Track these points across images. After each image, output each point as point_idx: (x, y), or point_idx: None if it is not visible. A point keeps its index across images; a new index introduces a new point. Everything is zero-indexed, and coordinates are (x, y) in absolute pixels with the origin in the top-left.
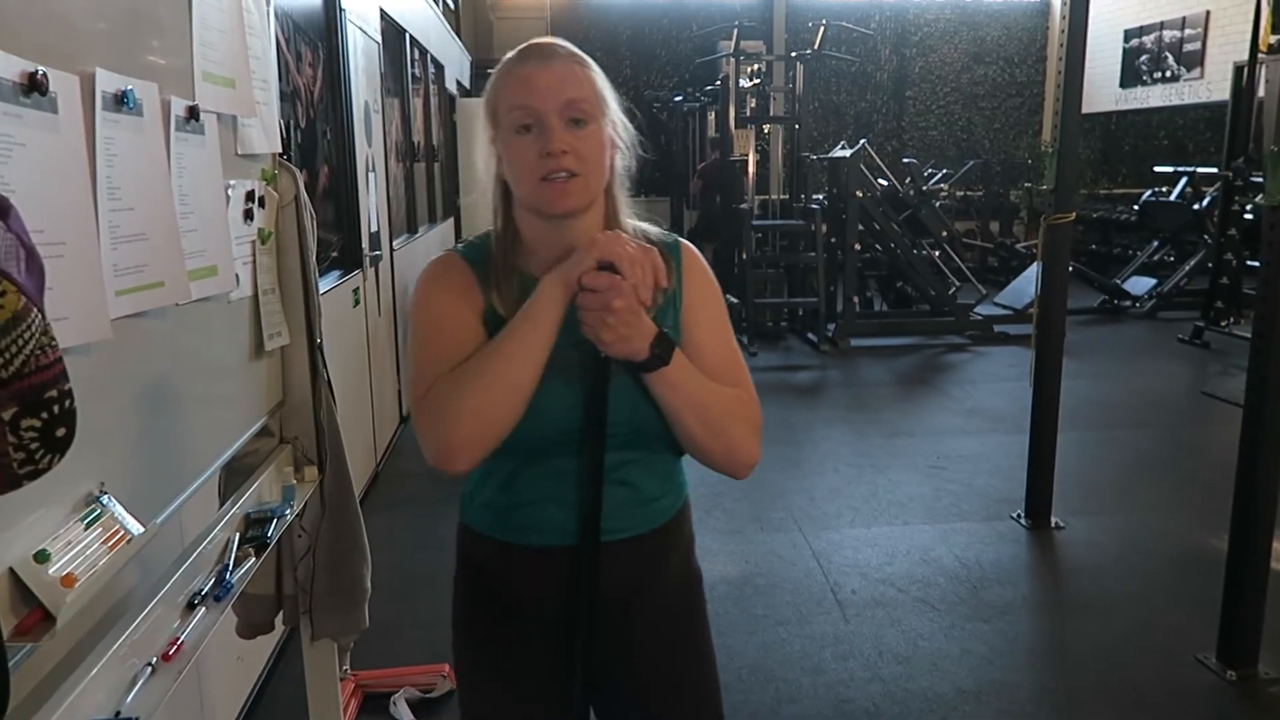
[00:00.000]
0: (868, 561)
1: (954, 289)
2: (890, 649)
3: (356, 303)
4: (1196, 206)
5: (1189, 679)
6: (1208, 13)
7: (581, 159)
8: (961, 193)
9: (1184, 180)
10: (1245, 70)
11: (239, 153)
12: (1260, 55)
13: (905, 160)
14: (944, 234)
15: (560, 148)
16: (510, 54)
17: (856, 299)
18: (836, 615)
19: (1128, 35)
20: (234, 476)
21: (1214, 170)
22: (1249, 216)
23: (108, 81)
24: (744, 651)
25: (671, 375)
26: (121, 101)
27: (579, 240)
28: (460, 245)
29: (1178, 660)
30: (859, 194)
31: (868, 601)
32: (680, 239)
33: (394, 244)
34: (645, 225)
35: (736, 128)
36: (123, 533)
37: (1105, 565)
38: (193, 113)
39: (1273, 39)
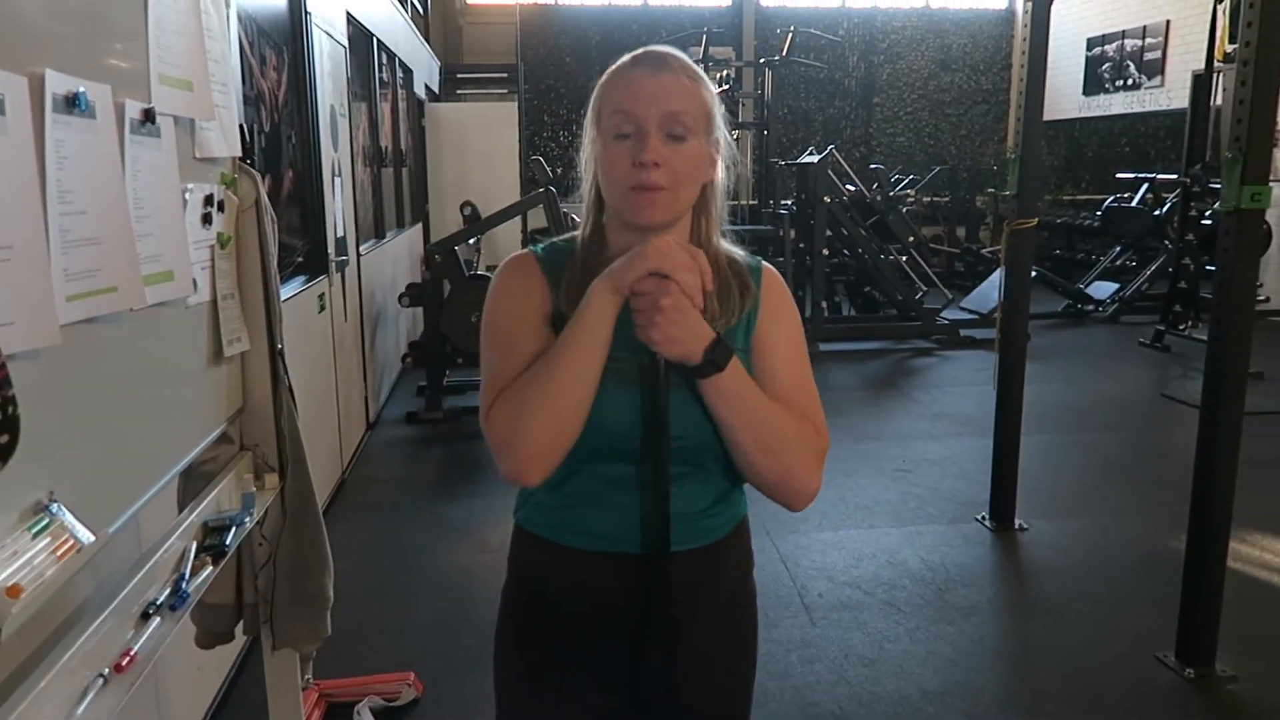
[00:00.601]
0: (834, 565)
1: (921, 294)
2: (856, 652)
3: (322, 308)
4: (1157, 212)
5: (1149, 678)
6: (1168, 22)
7: (674, 174)
8: (928, 198)
9: (1145, 186)
10: (1203, 79)
11: (197, 156)
12: (1217, 64)
13: (873, 166)
14: (911, 239)
15: (653, 159)
16: (625, 57)
17: (825, 304)
18: (803, 619)
19: (1090, 44)
20: (192, 484)
21: (1174, 177)
22: (1207, 222)
23: (58, 83)
24: None
25: (725, 383)
26: (73, 103)
27: None
28: (541, 245)
29: (1138, 660)
30: (827, 200)
31: (834, 605)
32: (764, 262)
33: (361, 249)
34: (732, 248)
35: None
36: (73, 542)
37: (1068, 567)
38: (148, 115)
39: (1229, 48)
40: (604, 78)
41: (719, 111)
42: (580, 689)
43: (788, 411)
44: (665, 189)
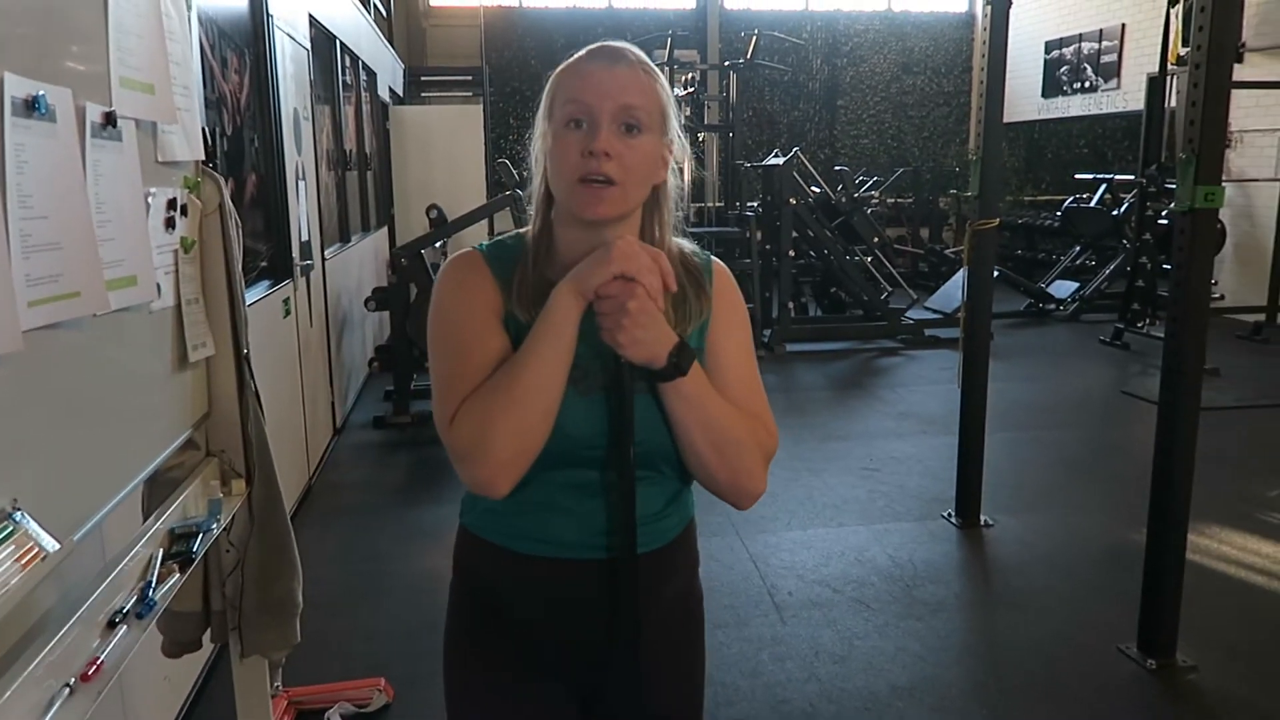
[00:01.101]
0: (804, 563)
1: (886, 294)
2: (826, 649)
3: (287, 313)
4: (1116, 212)
5: (1112, 670)
6: (1123, 25)
7: (624, 167)
8: (892, 200)
9: (1103, 187)
10: (1157, 81)
11: (160, 160)
12: (1170, 67)
13: (837, 168)
14: (875, 240)
15: (603, 148)
16: (581, 51)
17: (791, 305)
18: (774, 617)
19: (1048, 47)
20: (158, 491)
21: (1131, 177)
22: (1163, 222)
23: (17, 86)
24: None
25: (687, 387)
26: (32, 107)
27: None
28: (486, 243)
29: (1102, 652)
30: (792, 201)
31: (804, 603)
32: (714, 258)
33: (326, 253)
34: (684, 243)
35: None
36: (37, 550)
37: (1032, 561)
38: (109, 119)
39: (1182, 51)
40: (558, 70)
41: (675, 112)
42: (538, 696)
43: (740, 413)
44: (615, 183)
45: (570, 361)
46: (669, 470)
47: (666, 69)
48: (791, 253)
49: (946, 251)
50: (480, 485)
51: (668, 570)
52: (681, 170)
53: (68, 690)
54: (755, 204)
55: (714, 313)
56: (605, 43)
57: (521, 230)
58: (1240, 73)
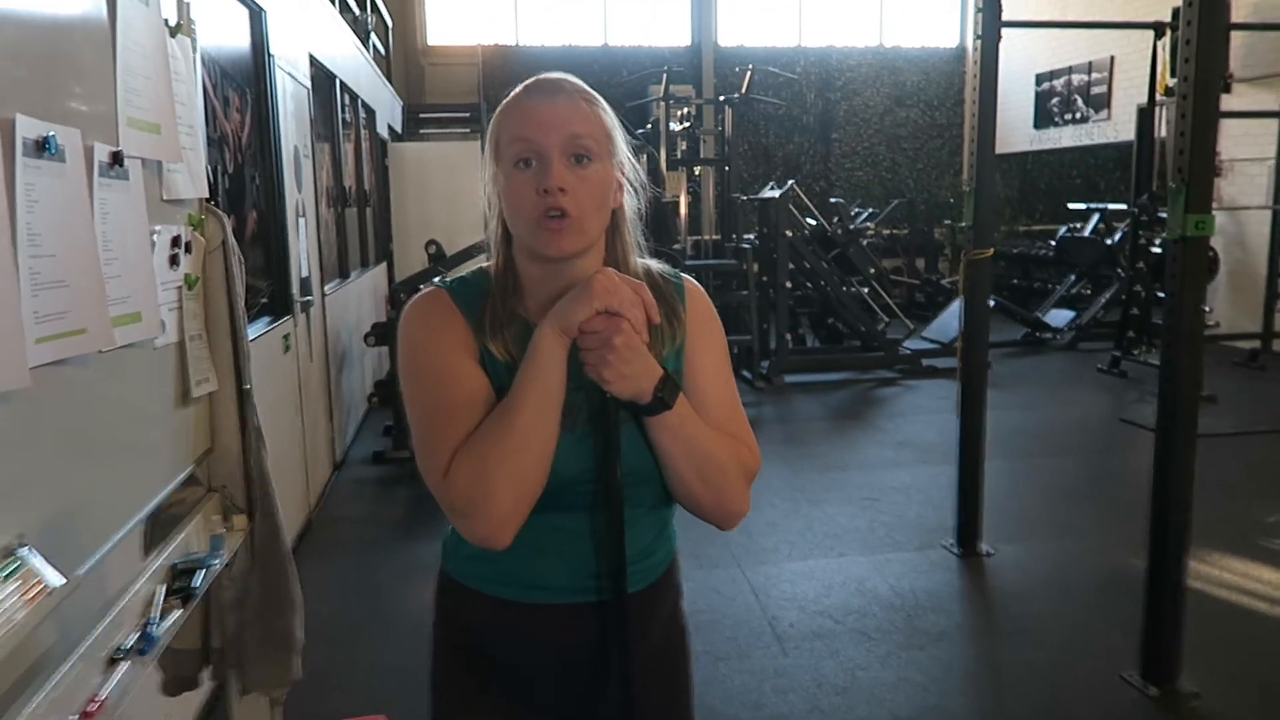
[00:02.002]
0: (805, 594)
1: (883, 325)
2: (829, 680)
3: (288, 348)
4: (1109, 241)
5: (1115, 697)
6: (1112, 57)
7: (578, 199)
8: (888, 231)
9: (1096, 216)
10: (1147, 112)
11: (165, 198)
12: (1159, 98)
13: (833, 200)
14: (872, 271)
15: (557, 184)
16: (518, 88)
17: (789, 336)
18: (775, 649)
19: (1039, 79)
20: (159, 526)
21: (1124, 206)
22: (1156, 250)
23: (29, 128)
24: None
25: (673, 419)
26: (43, 148)
27: (578, 283)
28: (449, 280)
29: (1104, 679)
30: (788, 233)
31: (805, 634)
32: (686, 277)
33: (325, 289)
34: (652, 263)
35: (668, 170)
36: (42, 585)
37: (1033, 589)
38: (117, 158)
39: (1170, 82)
40: (498, 111)
41: (620, 134)
42: None
43: (722, 437)
44: (572, 215)
45: (561, 401)
46: (656, 503)
47: (662, 104)
48: (788, 284)
49: (942, 282)
50: (483, 540)
51: (656, 606)
52: (636, 190)
53: None
54: (752, 236)
55: (689, 333)
56: (541, 76)
57: (484, 266)
58: (1228, 103)
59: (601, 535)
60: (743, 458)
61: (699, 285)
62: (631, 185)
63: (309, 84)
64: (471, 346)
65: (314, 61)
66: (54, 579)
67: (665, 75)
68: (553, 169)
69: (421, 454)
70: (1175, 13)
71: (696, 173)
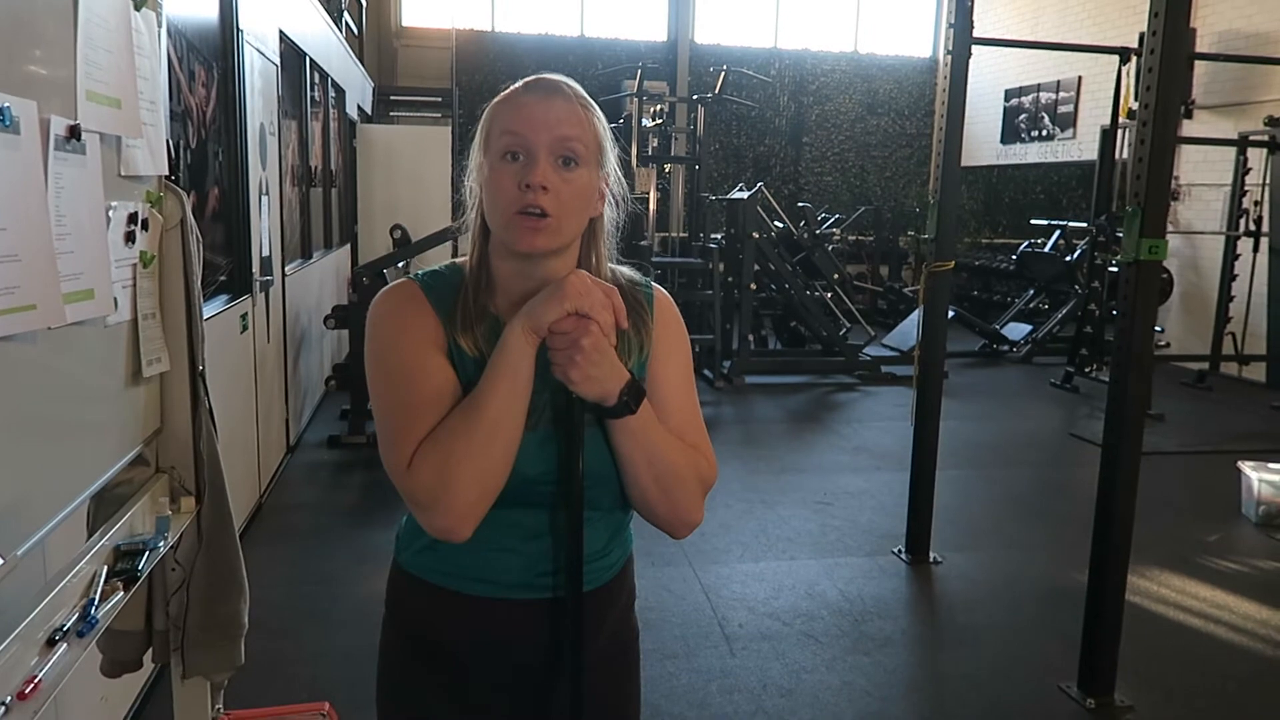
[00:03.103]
0: (755, 595)
1: (845, 330)
2: (774, 682)
3: (245, 328)
4: (1069, 258)
5: (1052, 708)
6: (1080, 78)
7: (560, 201)
8: (853, 237)
9: (1057, 233)
10: (1109, 134)
11: (122, 174)
12: (1121, 121)
13: (800, 204)
14: (836, 276)
15: (540, 181)
16: (518, 82)
17: (751, 337)
18: (724, 649)
19: (1008, 95)
20: (105, 507)
21: (1084, 225)
22: (1114, 269)
23: None
24: None
25: (636, 424)
26: None
27: (549, 283)
28: (422, 273)
29: (1043, 690)
30: (756, 235)
31: (754, 635)
32: (656, 286)
33: (286, 269)
34: (624, 269)
35: (638, 166)
36: None
37: (978, 599)
38: (74, 132)
39: (1133, 106)
40: (494, 101)
41: (610, 145)
42: None
43: (682, 446)
44: (550, 215)
45: (528, 399)
46: (613, 506)
47: (636, 100)
48: (753, 286)
49: (905, 290)
50: (444, 533)
51: (607, 607)
52: (618, 203)
53: (3, 709)
54: (719, 236)
55: (655, 343)
56: (542, 75)
57: (457, 260)
58: (1189, 128)
59: (559, 533)
60: (700, 468)
61: (668, 295)
62: (614, 197)
63: (278, 61)
64: (440, 341)
65: (284, 38)
66: None
67: (640, 71)
68: (538, 166)
69: (385, 445)
70: (1141, 39)
71: (667, 170)
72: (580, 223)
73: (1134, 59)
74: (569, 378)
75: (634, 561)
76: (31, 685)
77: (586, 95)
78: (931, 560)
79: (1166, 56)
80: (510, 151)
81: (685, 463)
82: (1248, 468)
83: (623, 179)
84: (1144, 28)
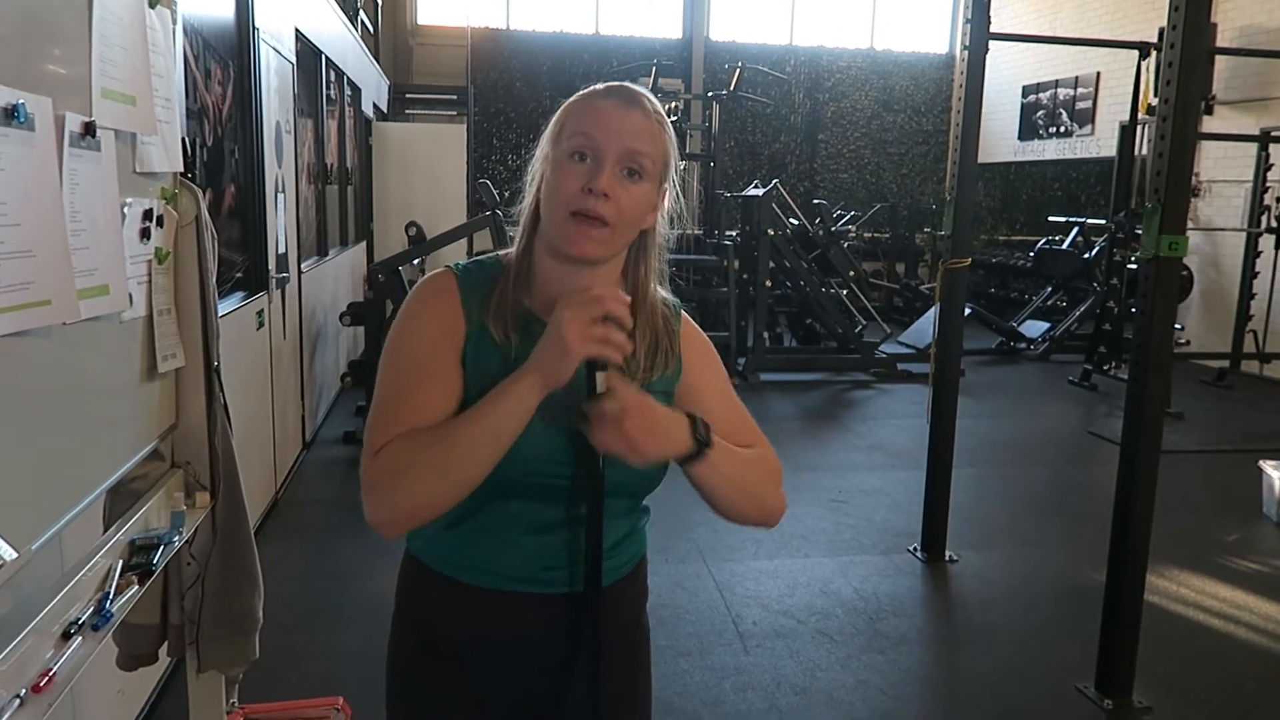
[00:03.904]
0: (769, 593)
1: (860, 327)
2: (788, 680)
3: (261, 325)
4: (1086, 255)
5: (1069, 708)
6: (1098, 74)
7: (619, 210)
8: (869, 234)
9: (1075, 230)
10: (1128, 130)
11: (137, 170)
12: (1141, 117)
13: (816, 201)
14: (851, 274)
15: (604, 188)
16: (599, 85)
17: (766, 334)
18: (737, 646)
19: (1025, 91)
20: (120, 501)
21: (1102, 221)
22: (1132, 266)
23: None
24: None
25: (715, 456)
26: (12, 115)
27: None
28: (461, 264)
29: (1059, 690)
30: (771, 232)
31: (768, 633)
32: (680, 304)
33: (303, 266)
34: (664, 294)
35: None
36: None
37: (995, 598)
38: (89, 129)
39: (1152, 101)
40: (573, 99)
41: (675, 161)
42: None
43: (752, 455)
44: (607, 224)
45: (507, 447)
46: (630, 503)
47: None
48: (768, 283)
49: (921, 287)
50: (372, 523)
51: (619, 605)
52: (672, 220)
53: (18, 701)
54: (734, 233)
55: (686, 358)
56: (625, 83)
57: (500, 252)
58: (1209, 124)
59: (571, 528)
60: (771, 465)
61: (689, 317)
62: (669, 213)
63: (294, 59)
64: (456, 342)
65: (300, 36)
66: (6, 552)
67: (655, 68)
68: (604, 173)
69: (369, 424)
70: (1161, 34)
71: (682, 167)
72: (632, 234)
73: (1153, 54)
74: (646, 456)
75: (647, 561)
76: (46, 678)
77: (663, 112)
78: (947, 559)
79: (1187, 51)
80: (579, 152)
81: (761, 467)
82: (1269, 467)
83: (679, 197)
84: (1163, 22)
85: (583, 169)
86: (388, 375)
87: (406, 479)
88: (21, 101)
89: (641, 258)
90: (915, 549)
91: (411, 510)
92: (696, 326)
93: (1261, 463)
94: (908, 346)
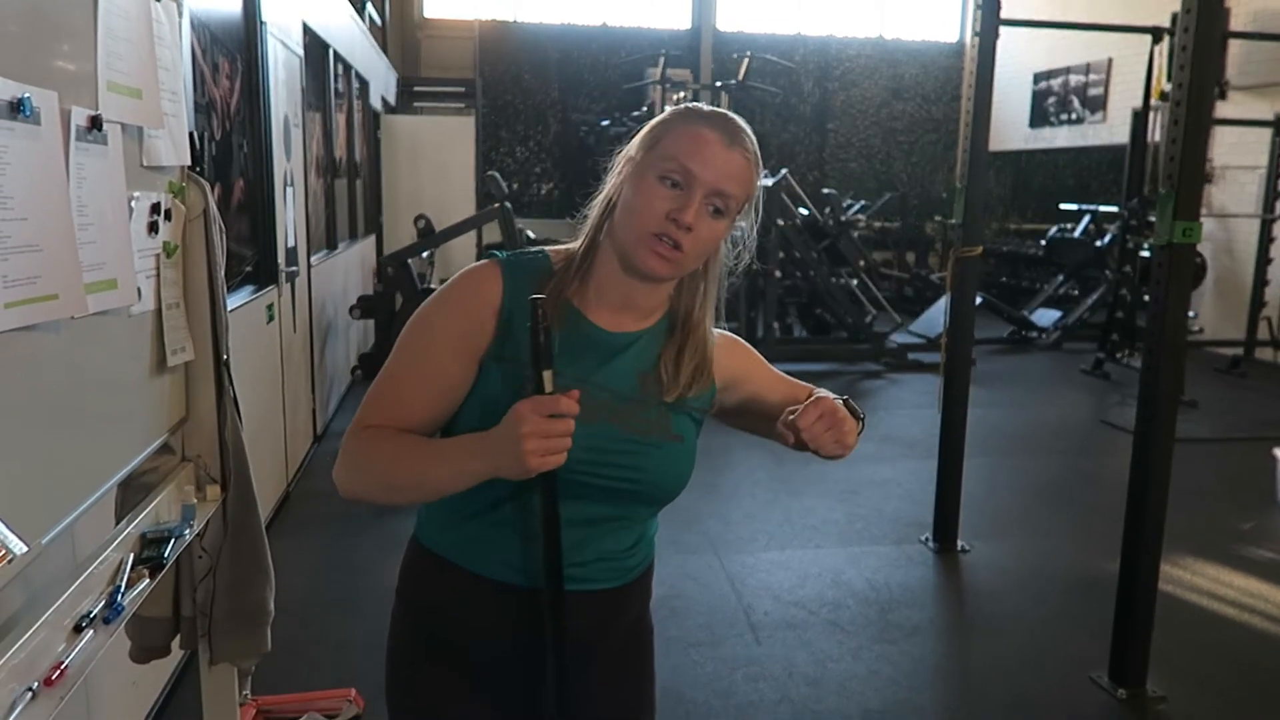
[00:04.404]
0: (780, 584)
1: (870, 317)
2: (800, 670)
3: (271, 318)
4: (1099, 243)
5: (1083, 698)
6: (1110, 60)
7: (697, 242)
8: (879, 224)
9: (1087, 218)
10: (1141, 116)
11: (145, 164)
12: (1154, 102)
13: (825, 191)
14: (861, 263)
15: (689, 222)
16: (702, 106)
17: (776, 325)
18: (749, 637)
19: (1037, 78)
20: (131, 495)
21: (1115, 209)
22: (1145, 254)
23: (3, 88)
24: (656, 674)
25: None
26: (17, 109)
27: (642, 303)
28: (508, 255)
29: (1073, 680)
30: (780, 222)
31: (779, 623)
32: (720, 333)
33: (312, 260)
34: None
35: None
36: (4, 552)
37: (1007, 588)
38: (95, 123)
39: (1165, 87)
40: (675, 115)
41: (756, 200)
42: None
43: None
44: (684, 253)
45: (452, 490)
46: (646, 511)
47: (659, 87)
48: (778, 273)
49: (932, 276)
50: (335, 481)
51: (624, 606)
52: (732, 250)
53: (30, 694)
54: (744, 224)
55: (729, 364)
56: (727, 114)
57: (547, 249)
58: (1223, 110)
59: (591, 525)
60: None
61: (728, 333)
62: (733, 247)
63: (302, 52)
64: (481, 343)
65: (307, 30)
66: (16, 546)
67: (663, 58)
68: (693, 207)
69: (367, 397)
70: (1174, 18)
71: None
72: (699, 263)
73: (1166, 39)
74: (844, 454)
75: (654, 566)
76: (58, 671)
77: (758, 152)
78: (959, 549)
79: (1200, 35)
80: (673, 178)
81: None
82: None
83: (749, 230)
84: (1176, 7)
85: (672, 195)
86: (403, 354)
87: (361, 474)
88: (27, 95)
89: (701, 283)
90: (927, 539)
91: (356, 498)
92: (729, 339)
93: (1276, 450)
94: (918, 336)
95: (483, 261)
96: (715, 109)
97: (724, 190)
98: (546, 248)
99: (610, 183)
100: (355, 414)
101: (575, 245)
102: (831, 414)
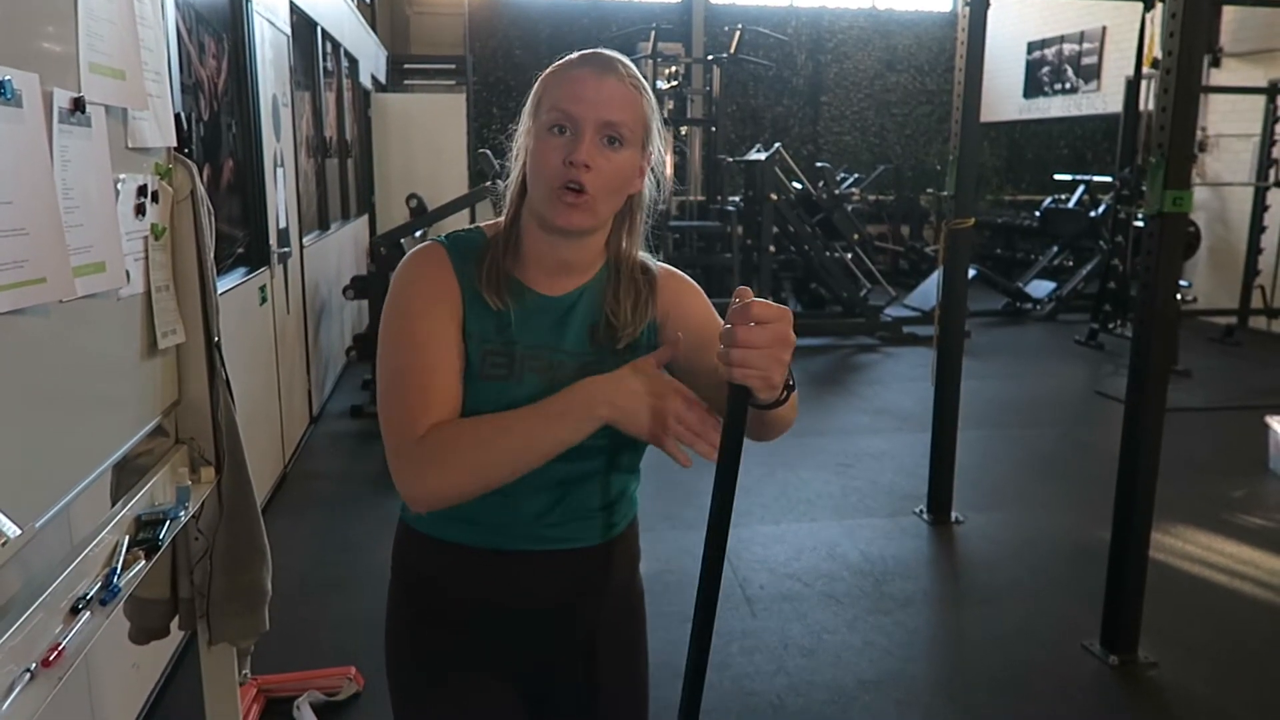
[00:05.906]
0: (776, 557)
1: (865, 291)
2: (795, 642)
3: (264, 300)
4: (1093, 214)
5: (1076, 665)
6: (1104, 28)
7: (601, 180)
8: (873, 197)
9: (1081, 188)
10: (1134, 84)
11: (130, 146)
12: (1146, 70)
13: (819, 164)
14: (856, 237)
15: (584, 160)
16: (573, 54)
17: (771, 299)
18: (744, 610)
19: (1030, 48)
20: (126, 477)
21: (1109, 179)
22: (1138, 224)
23: None
24: (652, 648)
25: (784, 408)
26: None
27: (574, 259)
28: (447, 237)
29: (1065, 648)
30: (774, 197)
31: (775, 596)
32: (659, 265)
33: (304, 240)
34: (646, 256)
35: None
36: None
37: (1001, 558)
38: (78, 104)
39: (1157, 54)
40: (549, 70)
41: (656, 124)
42: (485, 697)
43: None
44: (590, 194)
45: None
46: (626, 465)
47: (650, 61)
48: (772, 248)
49: (927, 249)
50: (408, 497)
51: (610, 565)
52: (659, 182)
53: (28, 675)
54: (737, 199)
55: (663, 301)
56: (599, 50)
57: (482, 225)
58: (1217, 77)
59: (567, 485)
60: None
61: (671, 269)
62: (654, 176)
63: (289, 31)
64: (457, 313)
65: (294, 9)
66: (10, 529)
67: (654, 32)
68: (583, 145)
69: (388, 406)
70: None
71: (684, 133)
72: (618, 202)
73: (1158, 6)
74: (772, 384)
75: (638, 523)
76: (56, 652)
77: (639, 75)
78: (953, 520)
79: (1189, 2)
80: (558, 125)
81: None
82: (1276, 423)
83: (664, 159)
84: None
85: (562, 142)
86: (395, 351)
87: (461, 470)
88: (8, 78)
89: (627, 223)
90: (921, 511)
91: (446, 500)
92: (675, 277)
93: (1268, 419)
94: (913, 309)
95: (425, 244)
96: (585, 51)
97: (609, 119)
98: (481, 223)
99: (517, 162)
100: (398, 425)
101: (502, 220)
102: (787, 337)
